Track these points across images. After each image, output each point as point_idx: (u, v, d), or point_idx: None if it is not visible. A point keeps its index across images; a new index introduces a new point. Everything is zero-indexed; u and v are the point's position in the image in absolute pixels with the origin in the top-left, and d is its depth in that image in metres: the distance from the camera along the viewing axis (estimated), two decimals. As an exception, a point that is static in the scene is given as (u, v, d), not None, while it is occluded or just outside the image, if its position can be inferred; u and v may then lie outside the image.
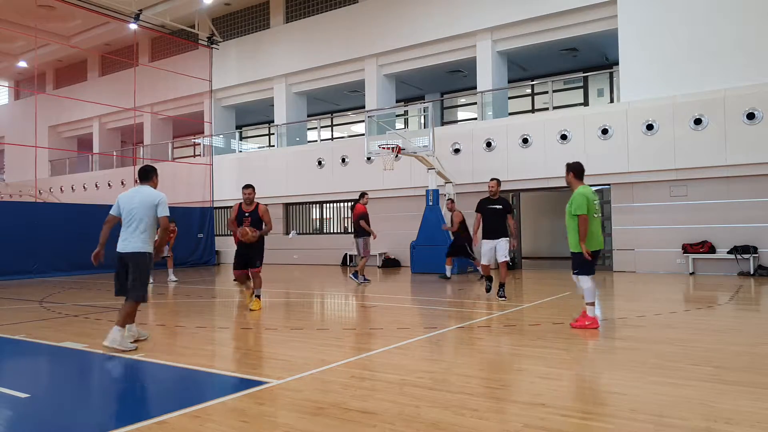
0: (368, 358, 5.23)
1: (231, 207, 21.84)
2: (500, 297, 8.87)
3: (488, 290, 9.42)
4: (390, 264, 17.53)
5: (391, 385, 4.29)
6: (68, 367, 5.46)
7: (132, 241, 5.75)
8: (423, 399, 3.90)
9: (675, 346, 5.48)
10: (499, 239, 8.87)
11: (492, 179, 9.28)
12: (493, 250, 8.91)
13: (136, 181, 6.20)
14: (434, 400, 3.88)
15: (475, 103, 18.57)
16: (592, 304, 6.49)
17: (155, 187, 6.04)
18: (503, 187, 15.73)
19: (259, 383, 4.38)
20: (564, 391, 4.03)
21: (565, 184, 15.78)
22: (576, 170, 6.68)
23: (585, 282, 6.51)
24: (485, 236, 8.97)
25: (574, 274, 6.63)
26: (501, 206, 8.98)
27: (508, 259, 8.94)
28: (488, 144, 15.89)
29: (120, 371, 5.15)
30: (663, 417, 3.46)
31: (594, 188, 14.73)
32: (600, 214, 6.61)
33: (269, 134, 26.20)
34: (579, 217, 6.39)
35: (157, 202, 5.79)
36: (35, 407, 4.06)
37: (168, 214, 5.85)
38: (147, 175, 6.03)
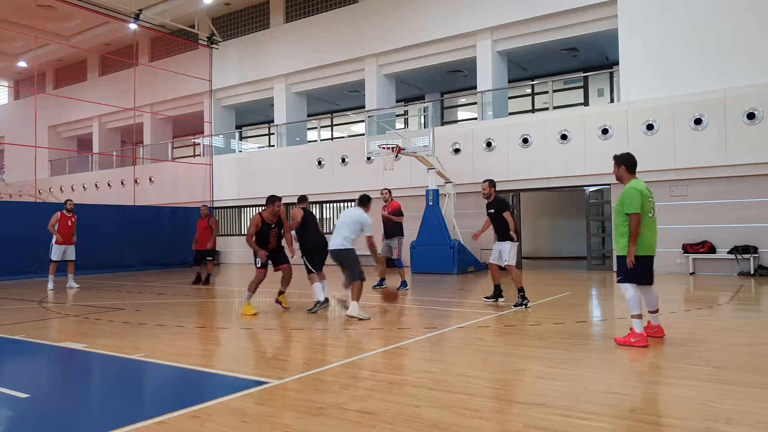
0: (368, 358, 5.23)
1: (230, 208, 21.93)
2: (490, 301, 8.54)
3: (490, 297, 8.79)
4: (390, 264, 17.49)
5: (391, 385, 4.29)
6: (68, 367, 5.46)
7: (339, 241, 7.63)
8: (423, 399, 3.90)
9: (675, 346, 5.48)
10: (500, 242, 8.37)
11: (484, 181, 8.63)
12: (495, 251, 8.44)
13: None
14: (434, 400, 3.88)
15: (475, 103, 18.57)
16: (639, 317, 5.57)
17: (367, 212, 7.89)
18: (504, 187, 15.88)
19: (259, 383, 4.38)
20: (564, 391, 4.03)
21: (564, 184, 15.89)
22: (628, 163, 5.80)
23: (627, 291, 5.65)
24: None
25: (617, 281, 5.78)
26: (493, 209, 8.41)
27: (508, 262, 8.20)
28: (488, 144, 15.89)
29: (120, 371, 5.15)
30: (663, 417, 3.46)
31: (594, 188, 14.97)
32: (654, 214, 5.75)
33: (269, 134, 26.20)
34: (631, 216, 5.53)
35: (362, 223, 7.69)
36: (35, 407, 4.06)
37: (371, 234, 7.67)
38: (362, 203, 7.96)
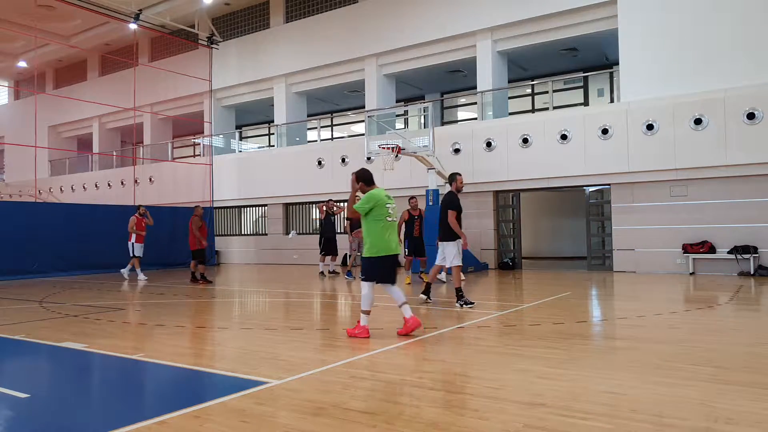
0: (368, 358, 5.23)
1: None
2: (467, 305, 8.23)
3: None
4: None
5: (391, 385, 4.29)
6: (68, 367, 5.46)
7: None
8: (423, 399, 3.90)
9: (675, 346, 5.48)
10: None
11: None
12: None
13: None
14: (434, 400, 3.88)
15: (475, 103, 18.57)
16: (367, 313, 6.18)
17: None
18: (504, 187, 15.90)
19: (259, 383, 4.38)
20: (564, 391, 4.03)
21: (564, 184, 15.93)
22: (361, 178, 6.50)
23: (363, 288, 6.27)
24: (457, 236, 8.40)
25: (361, 279, 6.38)
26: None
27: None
28: (488, 144, 15.89)
29: (120, 371, 5.15)
30: (663, 417, 3.46)
31: (594, 188, 14.97)
32: (393, 217, 6.33)
33: (269, 134, 26.20)
34: (354, 207, 6.39)
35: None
36: (35, 407, 4.07)
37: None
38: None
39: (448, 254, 8.36)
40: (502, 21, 16.47)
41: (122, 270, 14.89)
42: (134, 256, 14.40)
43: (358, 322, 6.24)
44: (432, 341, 5.98)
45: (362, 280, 6.33)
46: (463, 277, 12.24)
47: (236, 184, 21.48)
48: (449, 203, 8.39)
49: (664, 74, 13.63)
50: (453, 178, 8.77)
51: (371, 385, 4.32)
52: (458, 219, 8.40)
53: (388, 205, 6.30)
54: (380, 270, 6.27)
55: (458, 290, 8.32)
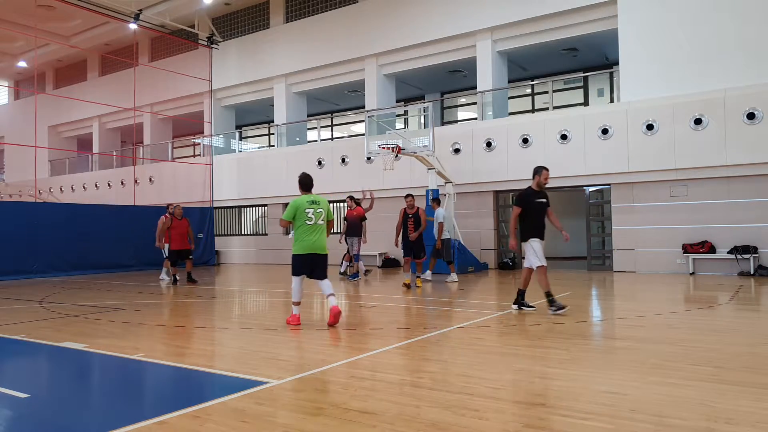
0: (368, 358, 5.23)
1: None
2: (557, 309, 7.52)
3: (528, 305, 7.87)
4: (390, 264, 17.53)
5: (391, 385, 4.29)
6: (68, 367, 5.46)
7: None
8: (423, 399, 3.90)
9: (675, 346, 5.48)
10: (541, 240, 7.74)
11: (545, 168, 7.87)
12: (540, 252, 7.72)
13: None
14: (434, 400, 3.88)
15: (475, 103, 18.57)
16: (296, 304, 7.02)
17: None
18: (504, 187, 15.90)
19: (259, 383, 4.38)
20: (564, 391, 4.03)
21: (565, 184, 15.92)
22: (299, 183, 7.20)
23: (293, 282, 7.09)
24: (537, 235, 7.77)
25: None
26: (545, 200, 7.88)
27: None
28: (488, 144, 15.89)
29: (120, 371, 5.15)
30: (663, 417, 3.46)
31: (594, 188, 14.96)
32: (316, 221, 6.96)
33: (269, 134, 26.20)
34: (281, 220, 7.18)
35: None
36: (35, 407, 4.06)
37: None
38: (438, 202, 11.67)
39: (528, 254, 7.70)
40: (502, 21, 16.47)
41: (160, 277, 14.17)
42: (166, 257, 13.91)
43: (293, 313, 7.02)
44: (432, 341, 5.98)
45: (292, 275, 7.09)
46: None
47: (236, 184, 21.48)
48: (516, 199, 7.75)
49: (664, 74, 13.63)
50: (537, 171, 7.79)
51: (371, 385, 4.32)
52: (533, 217, 7.74)
53: (308, 210, 6.91)
54: (301, 266, 7.00)
55: (547, 294, 7.64)
